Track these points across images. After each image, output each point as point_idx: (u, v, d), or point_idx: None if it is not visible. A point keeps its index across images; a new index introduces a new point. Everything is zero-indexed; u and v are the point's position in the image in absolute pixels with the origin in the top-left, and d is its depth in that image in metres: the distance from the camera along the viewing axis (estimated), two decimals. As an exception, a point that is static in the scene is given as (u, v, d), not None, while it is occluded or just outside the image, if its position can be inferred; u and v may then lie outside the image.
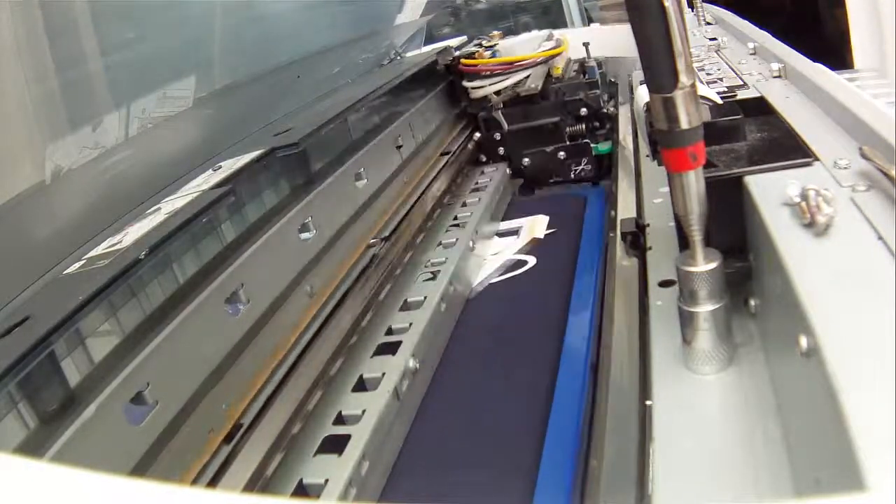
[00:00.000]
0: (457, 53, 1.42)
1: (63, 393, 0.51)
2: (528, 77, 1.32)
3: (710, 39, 0.99)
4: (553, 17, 2.61)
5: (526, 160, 1.34)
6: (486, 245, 1.15)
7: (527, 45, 1.41)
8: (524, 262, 1.06)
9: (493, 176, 1.30)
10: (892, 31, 1.35)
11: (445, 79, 1.41)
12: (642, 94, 0.54)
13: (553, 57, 1.37)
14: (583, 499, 0.53)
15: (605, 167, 1.33)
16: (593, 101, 1.30)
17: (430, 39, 1.79)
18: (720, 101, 0.59)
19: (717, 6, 1.26)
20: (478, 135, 1.36)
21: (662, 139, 0.42)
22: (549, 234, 1.14)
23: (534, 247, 1.11)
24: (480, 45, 1.48)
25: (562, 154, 1.32)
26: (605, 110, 1.32)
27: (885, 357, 0.28)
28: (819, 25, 2.04)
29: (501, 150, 1.35)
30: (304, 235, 0.80)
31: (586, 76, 1.35)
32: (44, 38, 0.66)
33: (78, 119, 0.71)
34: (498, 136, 1.34)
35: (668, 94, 0.40)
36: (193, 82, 0.88)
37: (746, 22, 1.03)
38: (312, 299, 0.77)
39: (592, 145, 1.31)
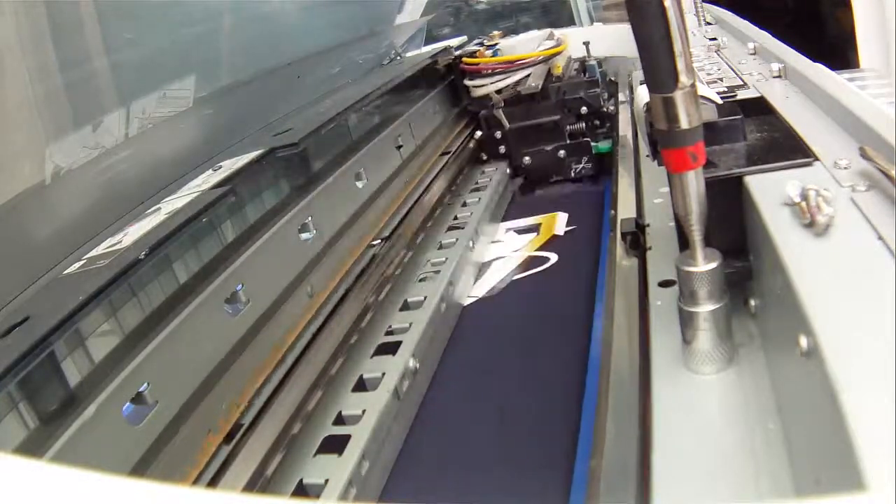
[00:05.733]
0: (458, 53, 1.44)
1: (63, 393, 0.51)
2: (528, 76, 1.33)
3: (710, 39, 0.99)
4: (554, 17, 2.61)
5: (526, 159, 1.34)
6: (505, 241, 1.16)
7: (528, 44, 1.42)
8: (545, 259, 1.06)
9: (493, 176, 1.31)
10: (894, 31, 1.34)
11: (446, 78, 1.42)
12: (642, 94, 0.54)
13: (554, 56, 1.38)
14: (583, 499, 0.53)
15: (606, 166, 1.31)
16: (593, 99, 1.30)
17: (430, 39, 1.78)
18: (720, 101, 0.59)
19: (717, 6, 1.26)
20: (479, 133, 1.38)
21: (662, 139, 0.42)
22: (568, 230, 1.14)
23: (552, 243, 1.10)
24: (482, 44, 1.50)
25: (562, 153, 1.33)
26: (605, 109, 1.32)
27: (885, 357, 0.28)
28: (821, 26, 2.04)
29: (502, 149, 1.36)
30: (304, 235, 0.80)
31: (586, 75, 1.36)
32: (46, 38, 0.66)
33: (78, 119, 0.71)
34: (499, 134, 1.35)
35: (668, 94, 0.40)
36: (193, 82, 0.88)
37: (746, 22, 1.03)
38: (312, 299, 0.77)
39: (592, 144, 1.32)
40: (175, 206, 0.66)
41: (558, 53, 1.39)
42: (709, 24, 1.21)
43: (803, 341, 0.32)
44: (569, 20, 2.56)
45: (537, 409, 0.73)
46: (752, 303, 0.49)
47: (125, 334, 0.59)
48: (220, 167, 0.77)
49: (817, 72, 0.64)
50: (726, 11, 1.19)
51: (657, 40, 0.39)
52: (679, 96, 0.40)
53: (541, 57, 1.34)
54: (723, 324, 0.46)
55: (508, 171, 1.36)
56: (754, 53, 0.84)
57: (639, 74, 0.56)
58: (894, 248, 0.35)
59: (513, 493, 0.62)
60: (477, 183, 1.30)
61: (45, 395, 0.49)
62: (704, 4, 1.27)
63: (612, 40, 1.52)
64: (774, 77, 0.70)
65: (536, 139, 1.33)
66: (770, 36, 0.87)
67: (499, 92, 1.32)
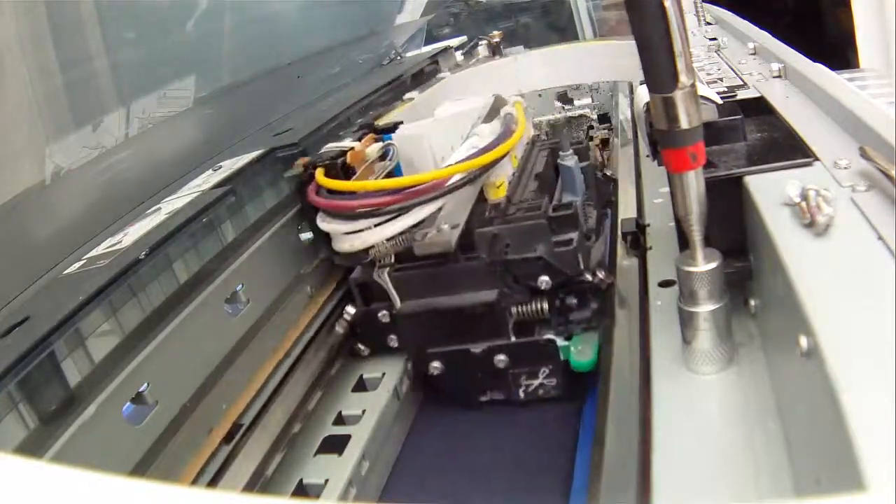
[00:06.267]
0: (324, 149, 0.78)
1: (63, 393, 0.51)
2: (438, 211, 0.69)
3: (710, 39, 0.99)
4: (554, 17, 2.61)
5: (436, 364, 0.70)
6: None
7: (452, 127, 0.78)
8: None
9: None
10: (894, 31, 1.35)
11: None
12: (642, 94, 0.54)
13: (492, 164, 0.69)
14: (584, 499, 0.53)
15: (584, 383, 0.67)
16: (565, 260, 0.64)
17: (430, 39, 1.79)
18: (720, 101, 0.59)
19: (717, 6, 1.26)
20: (351, 310, 0.74)
21: (662, 139, 0.42)
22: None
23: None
24: (371, 127, 0.84)
25: (501, 358, 0.68)
26: (588, 276, 0.65)
27: (885, 357, 0.28)
28: (821, 26, 2.04)
29: (393, 341, 0.72)
30: (304, 236, 0.80)
31: (558, 194, 0.75)
32: (47, 39, 0.66)
33: (78, 119, 0.71)
34: (386, 315, 0.71)
35: (668, 94, 0.40)
36: (193, 82, 0.88)
37: (746, 22, 1.03)
38: (312, 299, 0.77)
39: (560, 345, 0.67)
40: (175, 206, 0.66)
41: (502, 157, 0.70)
42: (709, 24, 1.21)
43: (803, 341, 0.32)
44: (569, 20, 2.55)
45: (537, 409, 0.73)
46: (752, 303, 0.49)
47: (125, 334, 0.59)
48: (220, 167, 0.77)
49: (817, 72, 0.63)
50: (726, 11, 1.19)
51: (657, 40, 0.39)
52: (679, 96, 0.40)
53: (462, 176, 0.67)
54: (723, 324, 0.46)
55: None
56: (754, 53, 0.84)
57: (639, 74, 0.56)
58: (894, 248, 0.35)
59: (513, 493, 0.62)
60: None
61: (45, 395, 0.49)
62: (704, 4, 1.27)
63: (609, 61, 1.22)
64: (774, 77, 0.70)
65: (454, 331, 0.68)
66: (770, 36, 0.87)
67: (389, 239, 0.69)
